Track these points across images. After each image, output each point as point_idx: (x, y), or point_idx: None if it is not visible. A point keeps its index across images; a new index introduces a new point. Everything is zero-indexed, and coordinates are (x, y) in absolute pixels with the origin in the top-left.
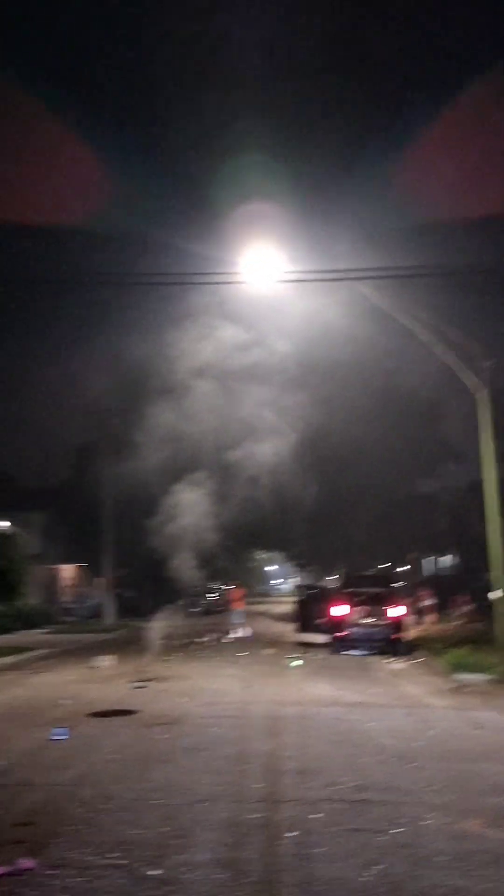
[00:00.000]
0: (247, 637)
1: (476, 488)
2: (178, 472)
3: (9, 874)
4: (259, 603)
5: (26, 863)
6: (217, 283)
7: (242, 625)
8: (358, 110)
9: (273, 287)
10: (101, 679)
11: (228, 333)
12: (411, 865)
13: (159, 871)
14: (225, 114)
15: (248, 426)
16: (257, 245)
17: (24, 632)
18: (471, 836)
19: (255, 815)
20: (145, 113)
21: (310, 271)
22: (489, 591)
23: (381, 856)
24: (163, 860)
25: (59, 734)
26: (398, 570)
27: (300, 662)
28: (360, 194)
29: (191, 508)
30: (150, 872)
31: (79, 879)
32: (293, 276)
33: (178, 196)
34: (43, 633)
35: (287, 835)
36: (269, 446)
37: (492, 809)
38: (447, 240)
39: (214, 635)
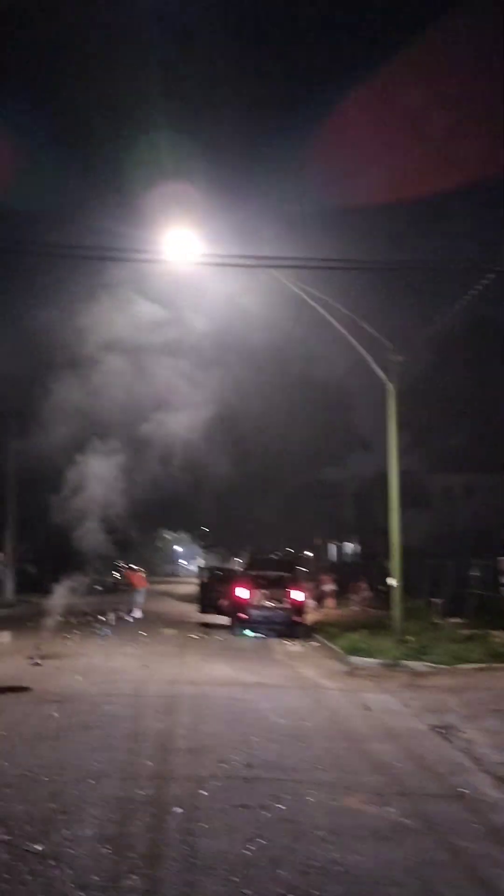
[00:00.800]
0: (145, 617)
1: (381, 478)
2: (85, 446)
3: None
4: (164, 583)
5: None
6: (133, 259)
7: (142, 605)
8: (275, 84)
9: (191, 269)
10: None
11: (143, 310)
12: (291, 840)
13: (42, 847)
14: (137, 87)
15: (160, 402)
16: (176, 225)
17: None
18: (349, 812)
19: (143, 792)
20: (53, 85)
21: (228, 255)
22: (387, 578)
23: (263, 831)
24: (47, 836)
25: None
26: (302, 554)
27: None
28: (279, 173)
29: (98, 481)
30: (32, 848)
31: None
32: (211, 259)
33: (92, 175)
34: None
35: (174, 811)
36: (180, 423)
37: (372, 787)
38: (365, 222)
39: (115, 614)
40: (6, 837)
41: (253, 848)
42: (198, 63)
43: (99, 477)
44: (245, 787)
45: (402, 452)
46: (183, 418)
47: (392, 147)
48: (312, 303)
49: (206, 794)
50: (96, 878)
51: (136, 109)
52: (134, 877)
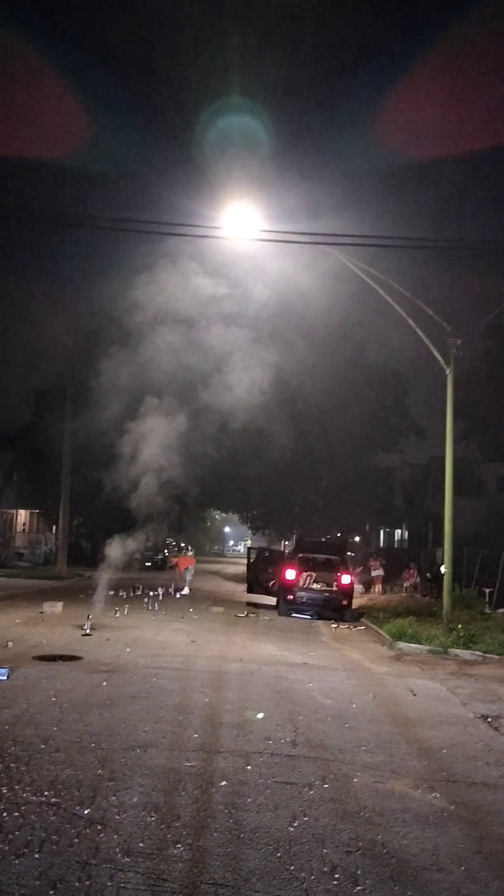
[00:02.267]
0: (193, 595)
1: (433, 465)
2: (139, 420)
3: None
4: (212, 563)
5: None
6: (194, 235)
7: (191, 582)
8: (346, 51)
9: (250, 245)
10: (49, 624)
11: (203, 284)
12: (336, 819)
13: (89, 811)
14: (212, 57)
15: (216, 378)
16: (239, 200)
17: None
18: (395, 796)
19: (189, 764)
20: (130, 57)
21: (289, 232)
22: (438, 566)
23: (307, 808)
24: (94, 801)
25: (1, 674)
26: (350, 539)
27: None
28: (348, 140)
29: (151, 454)
30: (80, 812)
31: (12, 815)
32: (272, 236)
33: (160, 143)
34: None
35: (219, 784)
36: (236, 399)
37: (418, 772)
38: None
39: (165, 590)
40: (55, 800)
41: (297, 825)
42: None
43: (152, 451)
44: (290, 764)
45: (457, 440)
46: (239, 394)
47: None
48: (371, 282)
49: (251, 769)
50: (142, 844)
51: (203, 74)
52: (179, 846)
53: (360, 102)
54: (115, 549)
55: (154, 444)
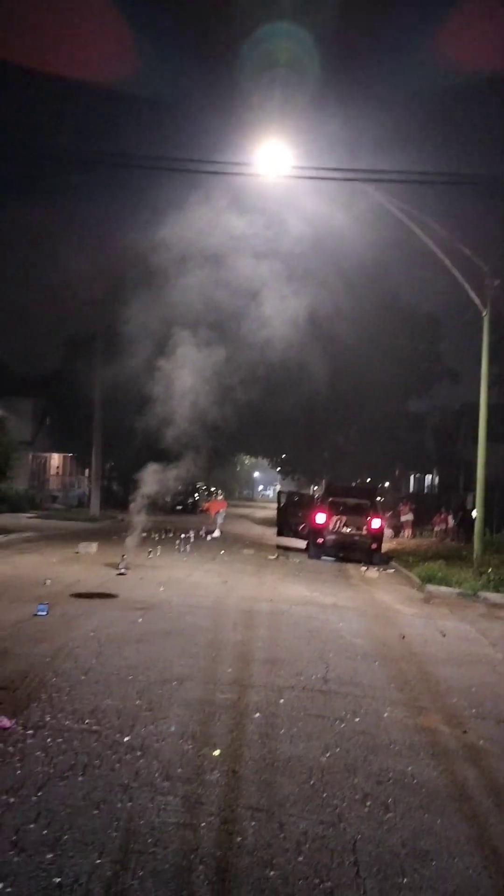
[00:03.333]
0: (224, 538)
1: (465, 410)
2: (172, 359)
3: None
4: (242, 507)
5: (5, 722)
6: (226, 172)
7: (221, 525)
8: None
9: (283, 182)
10: (84, 564)
11: (235, 221)
12: (367, 751)
13: (129, 739)
14: None
15: (247, 315)
16: (275, 134)
17: (10, 515)
18: (425, 731)
19: (224, 696)
20: None
21: (325, 168)
22: (468, 510)
23: (339, 741)
24: (133, 729)
25: (41, 610)
26: (381, 484)
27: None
28: (395, 66)
29: (184, 393)
30: (121, 739)
31: (56, 740)
32: (305, 172)
33: (202, 71)
34: (29, 518)
35: (253, 716)
36: (269, 337)
37: (448, 709)
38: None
39: (196, 532)
40: (96, 728)
41: (329, 755)
42: None
43: (184, 385)
44: (322, 699)
45: (492, 384)
46: (271, 331)
47: None
48: (408, 221)
49: (283, 702)
50: (180, 770)
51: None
52: (216, 772)
53: (410, 23)
54: (147, 491)
55: (186, 379)
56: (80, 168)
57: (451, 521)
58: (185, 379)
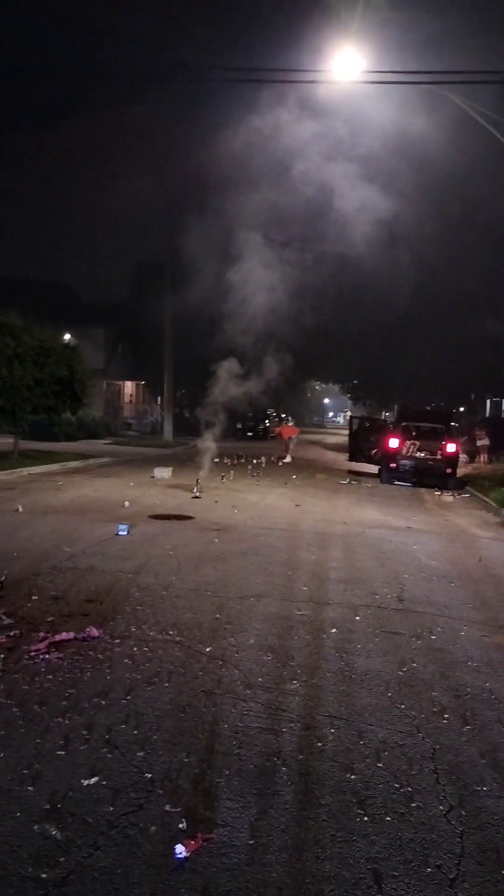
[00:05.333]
0: (295, 463)
1: None
2: (241, 279)
3: (79, 639)
4: (313, 433)
5: (94, 631)
6: (299, 81)
7: (293, 451)
8: None
9: (357, 87)
10: (160, 488)
11: (305, 130)
12: (443, 667)
13: (210, 649)
14: None
15: (320, 225)
16: (347, 38)
17: (87, 441)
18: (501, 648)
19: (300, 613)
20: None
21: (396, 72)
22: None
23: (415, 656)
24: (214, 641)
25: (122, 529)
26: (455, 409)
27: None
28: None
29: (254, 314)
30: (203, 650)
31: (141, 649)
32: (378, 77)
33: None
34: (105, 444)
35: (330, 631)
36: (344, 245)
37: None
38: None
39: (268, 458)
40: (179, 639)
41: (406, 670)
42: None
43: (257, 299)
44: (397, 616)
45: None
46: (347, 241)
47: None
48: (484, 122)
49: (359, 619)
50: (260, 679)
51: None
52: (295, 682)
53: None
54: (219, 420)
55: (258, 297)
56: (150, 82)
57: None
58: (257, 296)
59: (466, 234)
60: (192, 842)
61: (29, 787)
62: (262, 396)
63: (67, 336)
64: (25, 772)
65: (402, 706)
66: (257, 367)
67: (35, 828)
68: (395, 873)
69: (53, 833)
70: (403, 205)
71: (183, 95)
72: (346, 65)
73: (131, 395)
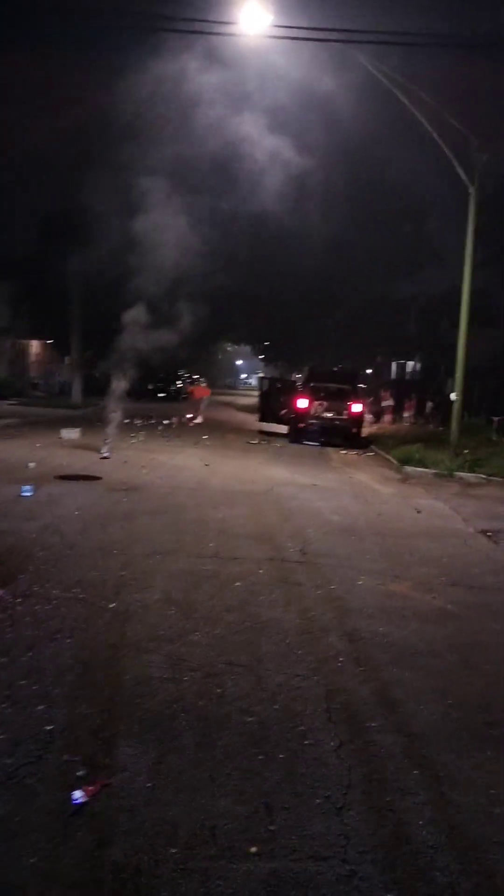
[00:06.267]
0: (206, 424)
1: (450, 295)
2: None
3: None
4: (225, 395)
5: None
6: (202, 32)
7: (204, 412)
8: None
9: (261, 42)
10: (68, 449)
11: (212, 80)
12: (341, 615)
13: (115, 605)
14: None
15: (229, 177)
16: None
17: None
18: (397, 596)
19: (206, 568)
20: None
21: (307, 28)
22: (447, 394)
23: (315, 605)
24: (119, 597)
25: (26, 490)
26: (362, 371)
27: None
28: None
29: (164, 259)
30: (107, 605)
31: (44, 607)
32: (285, 32)
33: None
34: (10, 405)
35: (234, 584)
36: (254, 199)
37: (419, 577)
38: None
39: (178, 419)
40: (83, 596)
41: (305, 618)
42: None
43: (165, 252)
44: (299, 569)
45: (476, 268)
46: (255, 193)
47: None
48: (392, 87)
49: (262, 572)
50: (163, 632)
51: None
52: (197, 634)
53: None
54: (130, 381)
55: (167, 245)
56: (52, 21)
57: (429, 406)
58: (166, 249)
59: (377, 197)
60: (91, 788)
61: None
62: (174, 350)
63: None
64: None
65: (300, 651)
66: (169, 318)
67: None
68: (287, 805)
69: None
70: (315, 165)
71: (83, 39)
72: (252, 18)
73: (38, 354)
